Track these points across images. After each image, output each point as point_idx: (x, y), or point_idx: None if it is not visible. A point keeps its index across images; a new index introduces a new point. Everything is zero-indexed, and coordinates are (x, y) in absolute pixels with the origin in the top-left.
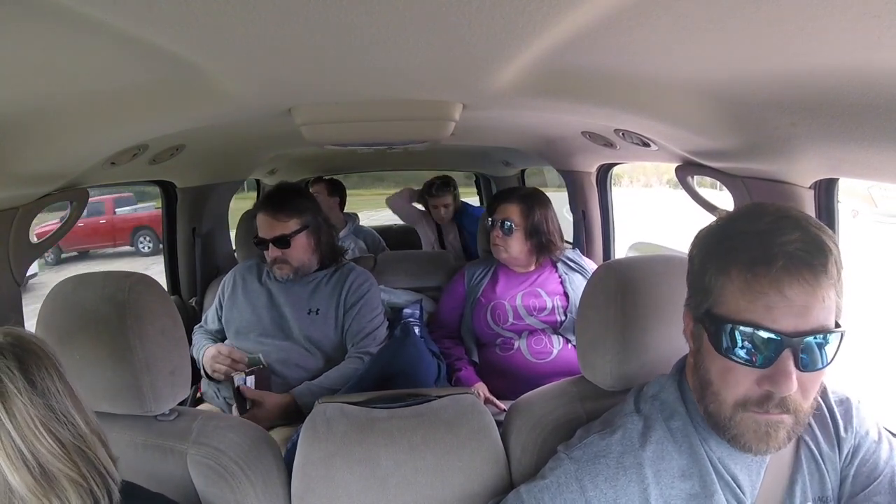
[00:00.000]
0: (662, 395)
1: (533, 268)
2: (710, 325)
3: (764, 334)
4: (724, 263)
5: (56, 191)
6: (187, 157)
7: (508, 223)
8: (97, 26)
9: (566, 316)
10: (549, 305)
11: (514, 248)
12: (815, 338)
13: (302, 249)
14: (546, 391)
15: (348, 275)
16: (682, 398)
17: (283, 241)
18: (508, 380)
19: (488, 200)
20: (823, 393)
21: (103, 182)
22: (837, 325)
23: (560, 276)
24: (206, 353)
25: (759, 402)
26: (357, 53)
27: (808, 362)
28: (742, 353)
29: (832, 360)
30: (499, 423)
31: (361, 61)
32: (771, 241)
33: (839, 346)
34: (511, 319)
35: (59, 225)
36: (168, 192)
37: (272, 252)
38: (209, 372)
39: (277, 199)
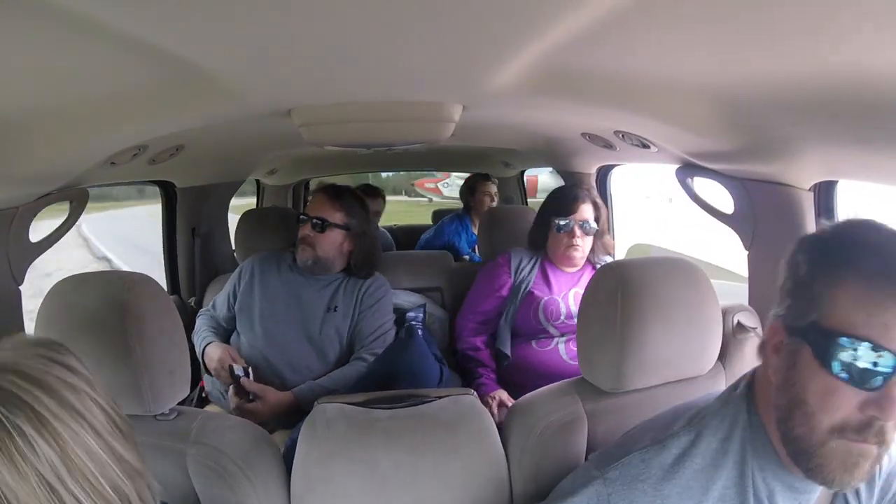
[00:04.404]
0: (724, 411)
1: (578, 268)
2: (818, 338)
3: (880, 353)
4: (841, 271)
5: (56, 191)
6: (187, 157)
7: (589, 224)
8: (97, 26)
9: None
10: None
11: (587, 248)
12: None
13: (331, 244)
14: (546, 392)
15: (366, 277)
16: (749, 419)
17: (321, 225)
18: (536, 377)
19: (552, 198)
20: None
21: (103, 182)
22: None
23: None
24: (209, 352)
25: (858, 429)
26: (357, 54)
27: None
28: (853, 372)
29: None
30: (499, 425)
31: (361, 62)
32: (893, 254)
33: None
34: (563, 318)
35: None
36: (168, 192)
37: (304, 230)
38: (210, 370)
39: (340, 189)
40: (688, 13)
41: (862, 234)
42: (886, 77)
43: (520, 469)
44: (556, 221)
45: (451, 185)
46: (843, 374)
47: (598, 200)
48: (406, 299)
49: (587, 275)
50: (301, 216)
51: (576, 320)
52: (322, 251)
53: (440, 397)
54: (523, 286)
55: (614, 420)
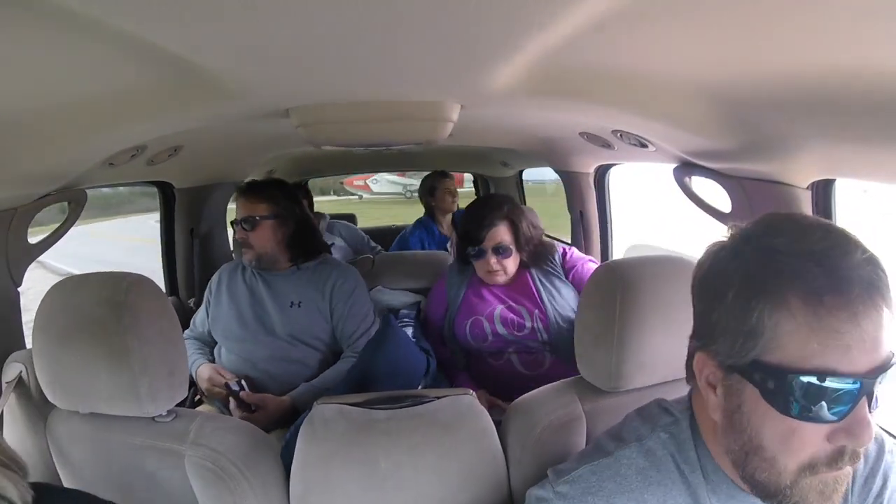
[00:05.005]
0: (673, 429)
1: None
2: (766, 378)
3: (842, 383)
4: (779, 295)
5: (54, 192)
6: (185, 157)
7: (503, 246)
8: (96, 26)
9: (548, 335)
10: (529, 325)
11: (511, 267)
12: (884, 372)
13: (265, 236)
14: (545, 391)
15: (332, 271)
16: (694, 442)
17: (250, 223)
18: (501, 387)
19: (462, 223)
20: None
21: (101, 183)
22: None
23: (535, 286)
24: (200, 373)
25: (831, 461)
26: (355, 54)
27: (876, 401)
28: (817, 409)
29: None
30: (498, 424)
31: (359, 62)
32: (837, 263)
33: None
34: (490, 338)
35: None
36: (166, 192)
37: (239, 233)
38: (204, 391)
39: (255, 185)
40: (684, 12)
41: (789, 243)
42: (884, 75)
43: (519, 468)
44: (470, 250)
45: (379, 182)
46: (805, 415)
47: (514, 215)
48: (400, 298)
49: (523, 283)
50: (234, 224)
51: (506, 339)
52: (260, 247)
53: (439, 397)
54: (454, 304)
55: (613, 419)
